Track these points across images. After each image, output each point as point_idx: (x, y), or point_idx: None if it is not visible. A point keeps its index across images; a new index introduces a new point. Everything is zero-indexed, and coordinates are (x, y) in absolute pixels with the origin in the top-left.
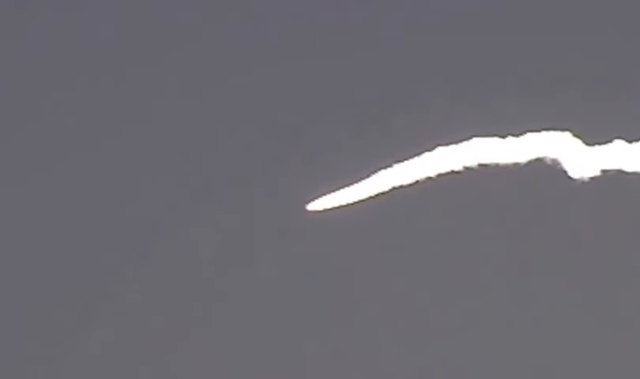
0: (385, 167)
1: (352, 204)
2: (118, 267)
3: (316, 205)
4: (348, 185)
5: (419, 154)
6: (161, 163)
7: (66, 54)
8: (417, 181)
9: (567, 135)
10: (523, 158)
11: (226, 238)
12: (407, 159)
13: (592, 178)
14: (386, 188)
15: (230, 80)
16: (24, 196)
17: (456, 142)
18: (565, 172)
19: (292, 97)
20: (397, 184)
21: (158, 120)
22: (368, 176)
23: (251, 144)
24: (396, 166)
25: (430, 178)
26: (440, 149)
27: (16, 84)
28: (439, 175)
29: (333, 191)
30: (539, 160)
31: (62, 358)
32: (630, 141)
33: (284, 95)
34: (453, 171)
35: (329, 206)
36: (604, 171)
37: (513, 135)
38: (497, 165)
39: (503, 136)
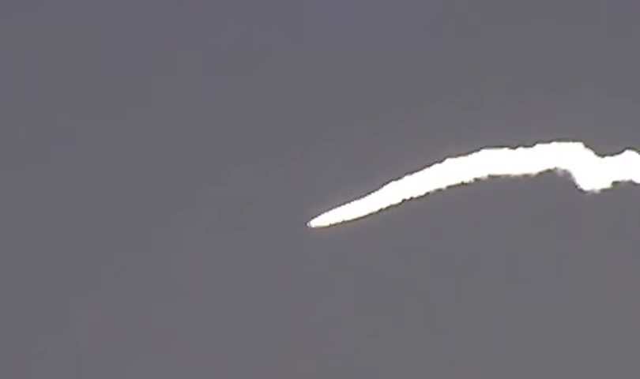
0: (394, 179)
1: (364, 217)
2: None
3: (323, 220)
4: (357, 198)
5: (428, 166)
6: (159, 174)
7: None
8: (427, 193)
9: (579, 146)
10: (534, 169)
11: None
12: (417, 171)
13: (603, 190)
14: (397, 200)
15: (232, 86)
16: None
17: (465, 154)
18: (576, 184)
19: (297, 108)
20: (407, 196)
21: (155, 129)
22: (378, 189)
23: (254, 155)
24: (406, 178)
25: (440, 189)
26: (449, 161)
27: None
28: (449, 187)
29: (342, 204)
30: (550, 171)
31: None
32: None
33: (288, 105)
34: (462, 183)
35: (338, 220)
36: (615, 183)
37: (524, 146)
38: (507, 176)
39: (514, 148)
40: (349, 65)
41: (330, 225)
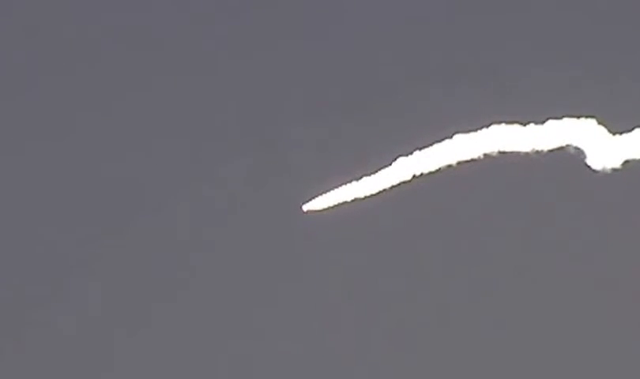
0: (405, 155)
1: (375, 194)
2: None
3: (317, 203)
4: (367, 175)
5: (438, 141)
6: (152, 162)
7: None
8: (438, 169)
9: (592, 123)
10: (544, 146)
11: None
12: (426, 146)
13: (615, 170)
14: (407, 176)
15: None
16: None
17: (476, 129)
18: (587, 163)
19: (302, 80)
20: (417, 172)
21: (149, 118)
22: (388, 165)
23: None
24: (416, 154)
25: (450, 166)
26: (459, 137)
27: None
28: (459, 163)
29: (353, 181)
30: (561, 149)
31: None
32: None
33: (293, 80)
34: (472, 159)
35: (351, 196)
36: (626, 162)
37: (535, 122)
38: (517, 153)
39: (524, 124)
40: (359, 41)
41: (325, 208)
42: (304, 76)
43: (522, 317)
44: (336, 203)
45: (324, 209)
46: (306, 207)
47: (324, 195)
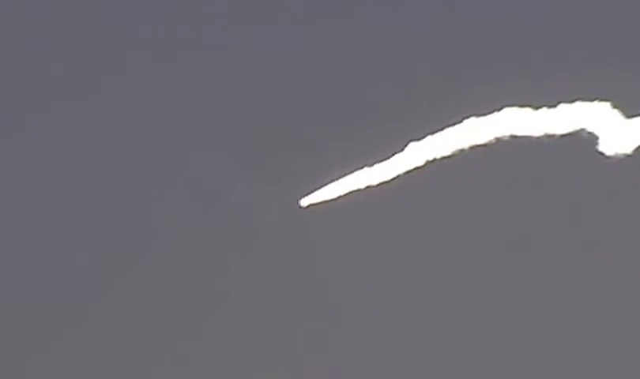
0: (415, 140)
1: (387, 181)
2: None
3: (343, 186)
4: (378, 162)
5: (449, 125)
6: (153, 162)
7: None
8: (450, 154)
9: (606, 106)
10: (557, 130)
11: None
12: (437, 131)
13: (629, 155)
14: (420, 161)
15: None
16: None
17: (487, 113)
18: (600, 148)
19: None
20: (429, 157)
21: (149, 117)
22: (400, 151)
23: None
24: (427, 138)
25: (462, 150)
26: (471, 120)
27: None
28: (471, 147)
29: (365, 168)
30: (574, 133)
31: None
32: None
33: (298, 70)
34: (483, 143)
35: (365, 182)
36: (638, 148)
37: (547, 106)
38: (529, 137)
39: (536, 108)
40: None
41: (335, 198)
42: (314, 63)
43: (535, 298)
44: (347, 192)
45: (334, 199)
46: (311, 198)
47: (335, 183)
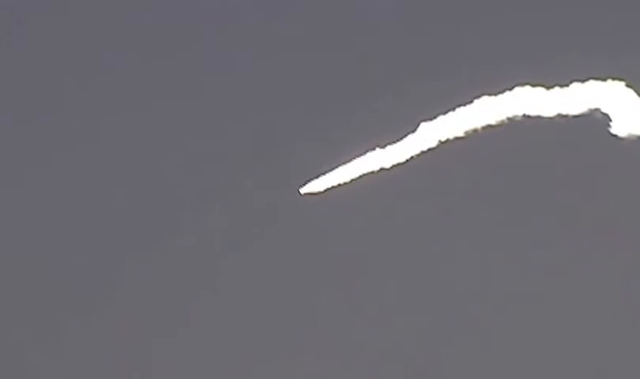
0: (428, 120)
1: (402, 163)
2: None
3: (355, 168)
4: (391, 143)
5: (462, 105)
6: (153, 155)
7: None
8: (463, 135)
9: (619, 85)
10: (570, 110)
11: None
12: (449, 111)
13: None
14: (432, 142)
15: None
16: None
17: (499, 93)
18: (613, 130)
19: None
20: (442, 137)
21: (150, 112)
22: (413, 131)
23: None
24: (440, 118)
25: (474, 130)
26: (483, 100)
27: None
28: (484, 127)
29: (378, 149)
30: (587, 113)
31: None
32: None
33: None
34: (496, 123)
35: (381, 161)
36: None
37: (560, 85)
38: (541, 117)
39: (549, 87)
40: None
41: (347, 182)
42: (322, 48)
43: (549, 287)
44: (359, 175)
45: (346, 183)
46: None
47: (345, 165)
